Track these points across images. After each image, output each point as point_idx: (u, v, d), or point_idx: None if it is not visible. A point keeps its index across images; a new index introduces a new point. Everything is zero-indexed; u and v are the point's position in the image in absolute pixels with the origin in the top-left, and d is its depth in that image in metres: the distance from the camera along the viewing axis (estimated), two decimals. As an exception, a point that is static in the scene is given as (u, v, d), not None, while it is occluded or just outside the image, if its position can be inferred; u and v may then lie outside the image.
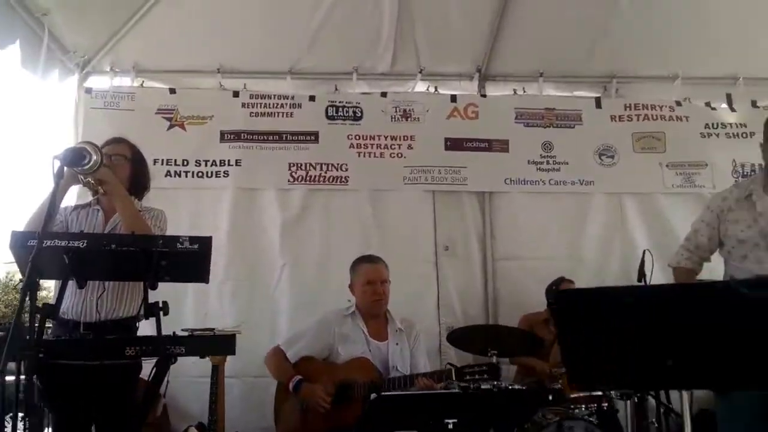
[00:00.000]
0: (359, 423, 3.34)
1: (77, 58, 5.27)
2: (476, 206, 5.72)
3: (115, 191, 3.18)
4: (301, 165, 5.45)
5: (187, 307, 5.15)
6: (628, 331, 2.07)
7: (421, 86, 5.79)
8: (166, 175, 5.35)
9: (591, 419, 4.23)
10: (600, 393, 4.36)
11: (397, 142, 5.60)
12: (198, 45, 5.41)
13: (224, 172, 5.39)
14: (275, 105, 5.55)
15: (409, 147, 5.60)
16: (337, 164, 5.49)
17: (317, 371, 3.85)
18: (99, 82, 5.52)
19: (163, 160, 5.36)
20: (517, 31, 5.56)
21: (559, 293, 2.18)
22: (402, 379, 3.82)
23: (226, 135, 5.45)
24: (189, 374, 4.63)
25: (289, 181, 5.43)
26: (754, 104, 6.00)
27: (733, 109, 5.99)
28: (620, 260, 5.65)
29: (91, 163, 2.78)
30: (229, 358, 3.99)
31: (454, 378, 3.67)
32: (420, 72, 5.70)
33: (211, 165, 5.40)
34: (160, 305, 2.69)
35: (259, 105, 5.53)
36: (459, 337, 4.73)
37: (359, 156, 5.54)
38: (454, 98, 5.74)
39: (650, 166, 5.79)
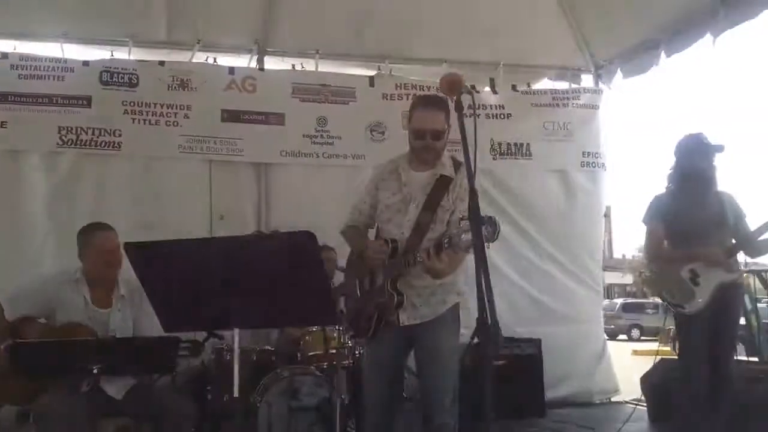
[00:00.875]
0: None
1: None
2: (252, 177, 5.99)
3: None
4: (72, 129, 5.47)
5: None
6: (193, 279, 2.44)
7: (200, 57, 5.94)
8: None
9: (320, 374, 4.57)
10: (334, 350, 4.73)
11: (174, 111, 5.73)
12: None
13: (-12, 135, 5.32)
14: (46, 68, 5.51)
15: (186, 116, 5.76)
16: (111, 129, 5.57)
17: (33, 334, 3.77)
18: None
19: None
20: (292, 8, 5.85)
21: (127, 245, 2.43)
22: None
23: (-9, 97, 5.37)
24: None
25: (57, 144, 5.44)
26: (514, 88, 6.65)
27: (495, 92, 6.60)
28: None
29: None
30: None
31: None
32: (198, 42, 5.87)
33: (-24, 126, 5.31)
34: None
35: (29, 68, 5.48)
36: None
37: (134, 122, 5.64)
38: (232, 70, 5.94)
39: (417, 143, 6.26)
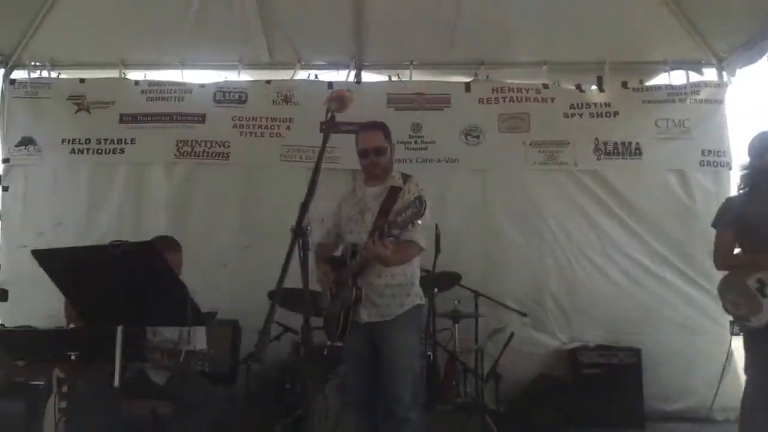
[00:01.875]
0: None
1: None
2: (350, 182, 6.23)
3: None
4: (188, 142, 6.16)
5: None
6: (86, 282, 2.84)
7: (302, 74, 6.42)
8: (71, 153, 6.18)
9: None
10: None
11: (277, 123, 6.23)
12: (103, 41, 6.20)
13: (120, 150, 6.15)
14: (169, 91, 6.30)
15: (288, 128, 6.23)
16: (221, 141, 6.18)
17: None
18: (22, 75, 6.39)
19: (69, 140, 6.20)
20: (384, 23, 6.11)
21: (33, 252, 2.85)
22: None
23: (124, 117, 6.22)
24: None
25: (175, 155, 6.14)
26: (624, 85, 6.35)
27: (602, 90, 6.35)
28: (480, 232, 6.11)
29: None
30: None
31: None
32: (299, 62, 6.36)
33: (109, 143, 6.17)
34: None
35: (155, 91, 6.29)
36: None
37: (241, 135, 6.21)
38: (330, 85, 6.33)
39: (514, 145, 6.21)
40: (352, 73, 6.45)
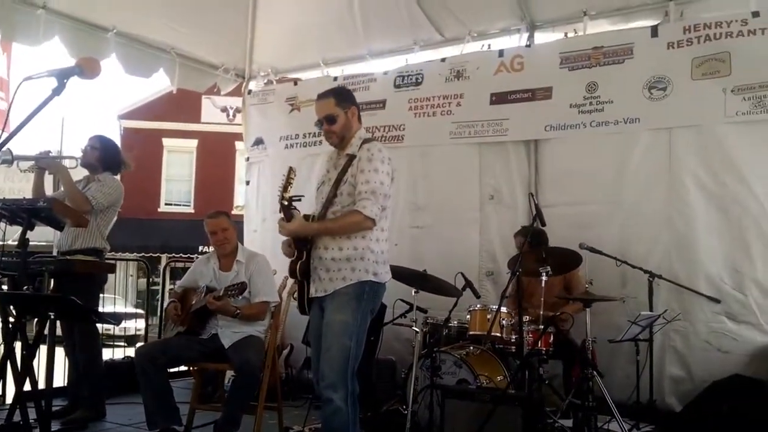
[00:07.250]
0: None
1: (228, 71, 7.25)
2: (522, 155, 5.83)
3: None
4: (369, 128, 6.25)
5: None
6: None
7: (475, 46, 6.15)
8: (285, 148, 7.03)
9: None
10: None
11: (448, 101, 6.12)
12: (305, 45, 6.92)
13: (319, 142, 6.69)
14: (359, 81, 6.64)
15: (458, 104, 6.07)
16: (397, 125, 6.33)
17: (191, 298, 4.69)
18: (255, 84, 7.46)
19: (284, 136, 7.06)
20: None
21: None
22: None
23: (325, 111, 6.77)
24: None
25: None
26: None
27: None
28: (664, 201, 5.16)
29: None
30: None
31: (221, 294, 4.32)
32: (469, 34, 6.11)
33: (312, 137, 6.83)
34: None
35: (349, 84, 6.59)
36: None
37: (415, 116, 6.27)
38: (501, 53, 5.94)
39: (710, 94, 5.03)
40: (525, 36, 5.95)
